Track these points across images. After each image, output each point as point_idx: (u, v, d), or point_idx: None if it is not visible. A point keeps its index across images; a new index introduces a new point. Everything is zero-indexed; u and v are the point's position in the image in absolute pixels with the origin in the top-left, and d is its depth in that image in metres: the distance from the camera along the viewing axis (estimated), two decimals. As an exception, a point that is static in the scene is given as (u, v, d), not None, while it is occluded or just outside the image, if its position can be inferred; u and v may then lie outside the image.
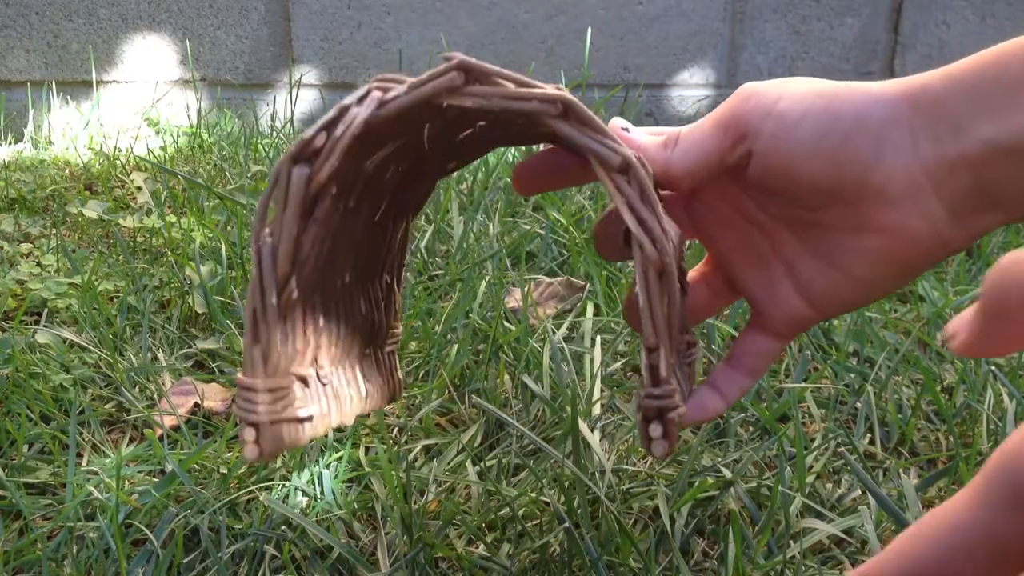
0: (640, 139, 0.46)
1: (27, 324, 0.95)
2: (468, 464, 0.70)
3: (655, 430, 0.38)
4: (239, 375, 0.38)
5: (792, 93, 0.43)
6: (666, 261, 0.35)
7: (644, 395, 0.37)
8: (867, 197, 0.42)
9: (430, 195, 0.51)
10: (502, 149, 1.64)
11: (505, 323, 0.92)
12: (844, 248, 0.45)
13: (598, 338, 0.86)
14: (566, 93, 0.34)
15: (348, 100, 0.36)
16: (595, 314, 0.96)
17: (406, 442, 0.76)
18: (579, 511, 0.63)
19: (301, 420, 0.40)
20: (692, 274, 0.51)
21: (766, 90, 0.43)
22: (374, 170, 0.41)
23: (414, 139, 0.41)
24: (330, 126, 0.36)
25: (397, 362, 0.53)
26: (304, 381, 0.41)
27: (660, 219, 0.34)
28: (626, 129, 0.46)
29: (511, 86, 0.35)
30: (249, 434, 0.37)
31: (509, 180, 1.38)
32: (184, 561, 0.61)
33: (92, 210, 1.27)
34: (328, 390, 0.44)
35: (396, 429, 0.78)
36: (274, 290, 0.37)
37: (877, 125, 0.41)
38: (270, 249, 0.37)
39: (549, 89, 0.34)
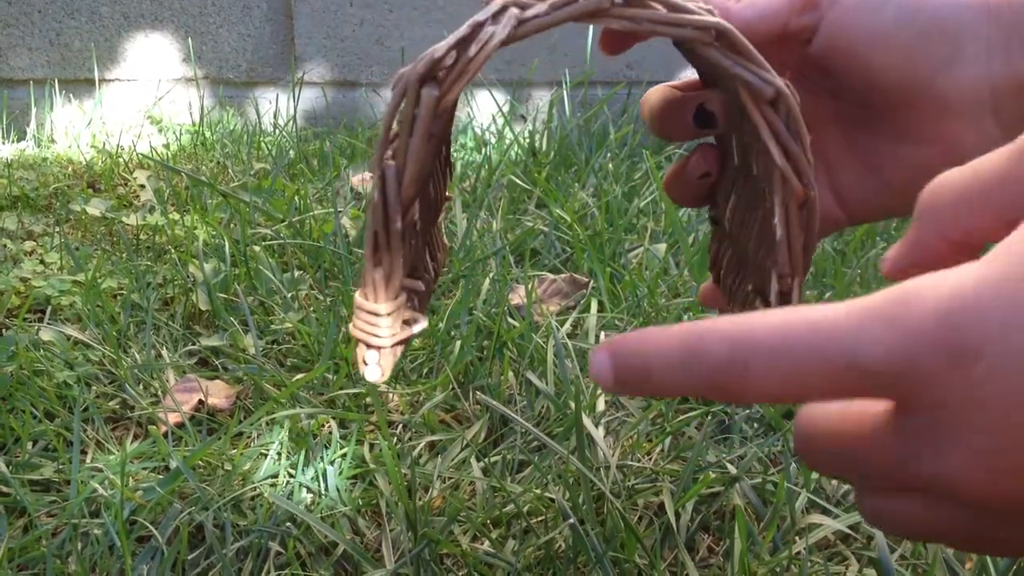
0: None
1: (31, 321, 0.95)
2: (472, 460, 0.70)
3: None
4: (358, 296, 0.38)
5: None
6: (811, 195, 0.35)
7: None
8: (926, 104, 0.41)
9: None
10: (505, 146, 1.64)
11: (509, 320, 0.92)
12: (888, 156, 0.44)
13: (602, 334, 0.85)
14: (721, 20, 0.33)
15: (481, 16, 0.34)
16: (599, 310, 0.95)
17: (410, 439, 0.75)
18: (584, 507, 0.63)
19: (416, 336, 0.41)
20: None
21: None
22: None
23: None
24: (461, 44, 0.34)
25: (442, 227, 0.52)
26: (414, 292, 0.42)
27: (807, 151, 0.34)
28: None
29: (662, 9, 0.33)
30: (372, 357, 0.39)
31: (512, 177, 1.38)
32: (189, 558, 0.61)
33: (95, 208, 1.27)
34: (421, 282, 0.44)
35: (400, 426, 0.77)
36: (399, 214, 0.36)
37: (955, 29, 0.40)
38: (394, 172, 0.36)
39: (704, 15, 0.33)
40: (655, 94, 0.47)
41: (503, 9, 0.34)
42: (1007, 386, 0.23)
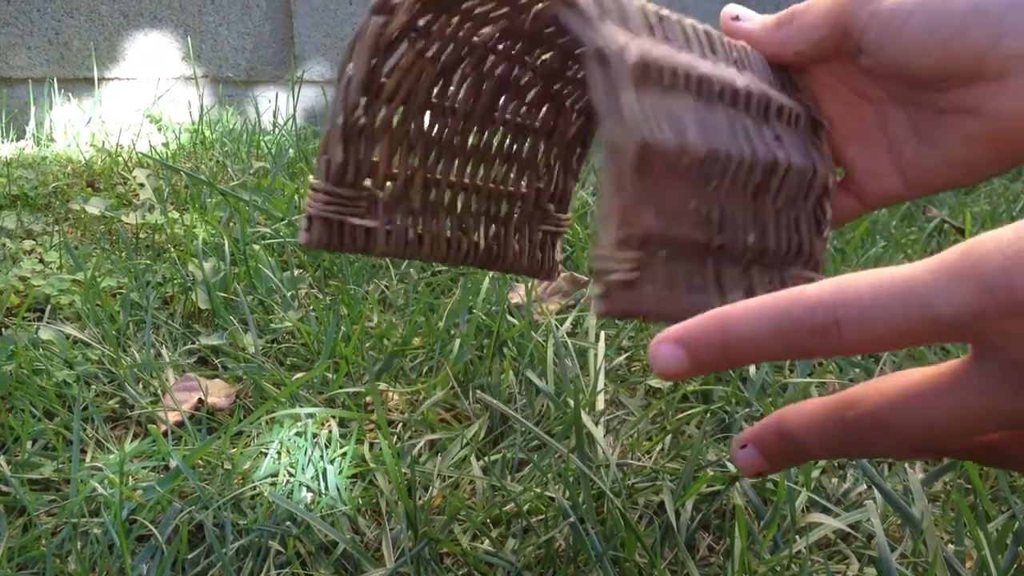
0: (747, 26, 0.47)
1: (30, 321, 0.95)
2: (472, 459, 0.70)
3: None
4: (311, 177, 0.46)
5: None
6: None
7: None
8: (984, 80, 0.42)
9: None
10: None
11: (509, 318, 0.92)
12: (949, 130, 0.44)
13: (602, 333, 0.85)
14: None
15: None
16: (599, 309, 0.95)
17: (410, 437, 0.75)
18: (584, 506, 0.63)
19: (355, 226, 0.47)
20: None
21: None
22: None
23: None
24: None
25: (558, 244, 0.56)
26: (372, 197, 0.48)
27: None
28: (736, 18, 0.47)
29: None
30: (303, 223, 0.46)
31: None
32: (188, 557, 0.61)
33: (94, 207, 1.27)
34: (421, 218, 0.49)
35: (400, 425, 0.77)
36: (341, 114, 0.45)
37: (996, 11, 0.40)
38: (347, 80, 0.45)
39: None
40: None
41: None
42: None
